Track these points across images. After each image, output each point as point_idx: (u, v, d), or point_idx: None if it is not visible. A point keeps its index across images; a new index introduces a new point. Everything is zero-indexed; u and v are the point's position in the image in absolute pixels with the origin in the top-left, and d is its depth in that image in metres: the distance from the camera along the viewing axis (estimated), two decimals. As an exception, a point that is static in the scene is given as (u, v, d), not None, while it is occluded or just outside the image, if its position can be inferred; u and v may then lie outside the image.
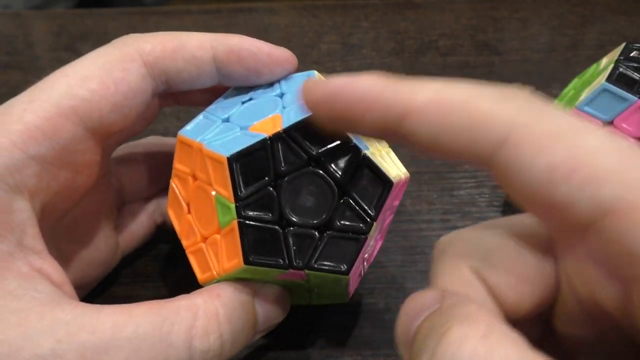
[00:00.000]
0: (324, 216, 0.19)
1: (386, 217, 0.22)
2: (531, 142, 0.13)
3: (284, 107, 0.20)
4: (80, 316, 0.17)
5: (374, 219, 0.19)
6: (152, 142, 0.27)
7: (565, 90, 0.30)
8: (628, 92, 0.25)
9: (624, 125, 0.25)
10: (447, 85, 0.15)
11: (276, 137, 0.19)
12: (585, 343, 0.16)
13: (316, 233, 0.19)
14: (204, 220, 0.20)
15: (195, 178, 0.21)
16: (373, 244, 0.22)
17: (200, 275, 0.21)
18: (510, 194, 0.14)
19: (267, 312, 0.20)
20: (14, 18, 0.51)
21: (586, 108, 0.25)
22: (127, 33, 0.22)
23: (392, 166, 0.21)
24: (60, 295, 0.18)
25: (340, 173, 0.19)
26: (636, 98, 0.24)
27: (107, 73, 0.20)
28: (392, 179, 0.19)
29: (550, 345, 0.15)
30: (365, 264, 0.22)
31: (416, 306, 0.15)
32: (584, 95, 0.26)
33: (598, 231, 0.13)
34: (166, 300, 0.18)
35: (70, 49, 0.47)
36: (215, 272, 0.20)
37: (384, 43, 0.47)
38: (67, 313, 0.17)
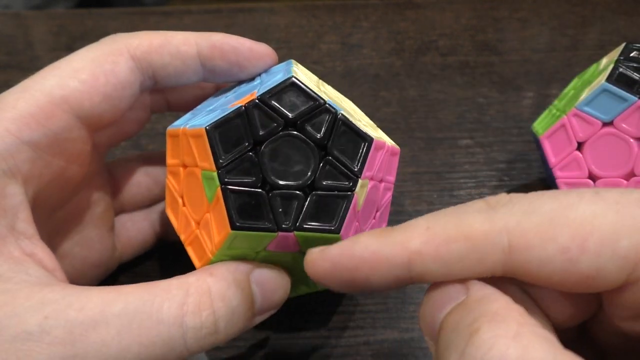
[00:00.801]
0: (307, 177, 0.19)
1: (380, 191, 0.22)
2: (534, 238, 0.14)
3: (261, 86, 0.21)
4: (69, 295, 0.17)
5: (358, 174, 0.19)
6: (155, 153, 0.28)
7: (565, 90, 0.30)
8: (628, 92, 0.25)
9: (623, 125, 0.25)
10: (435, 218, 0.15)
11: (251, 105, 0.19)
12: (620, 350, 0.16)
13: (301, 194, 0.19)
14: (196, 204, 0.20)
15: (185, 166, 0.21)
16: (372, 220, 0.22)
17: (197, 263, 0.21)
18: (542, 285, 0.15)
19: (265, 292, 0.20)
20: (14, 18, 0.51)
21: (586, 108, 0.25)
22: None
23: (374, 132, 0.21)
24: (51, 278, 0.18)
25: (318, 134, 0.19)
26: (636, 98, 0.24)
27: (97, 66, 0.21)
28: (373, 137, 0.20)
29: (586, 346, 0.15)
30: None
31: (441, 296, 0.15)
32: (584, 95, 0.26)
33: (633, 282, 0.14)
34: (158, 280, 0.18)
35: (70, 49, 0.47)
36: (209, 253, 0.20)
37: (384, 43, 0.47)
38: (56, 293, 0.17)
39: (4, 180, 0.18)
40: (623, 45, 0.27)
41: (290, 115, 0.19)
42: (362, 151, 0.19)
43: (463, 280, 0.15)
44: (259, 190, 0.19)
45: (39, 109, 0.19)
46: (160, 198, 0.27)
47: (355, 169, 0.19)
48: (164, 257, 0.28)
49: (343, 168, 0.19)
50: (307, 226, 0.19)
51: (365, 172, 0.20)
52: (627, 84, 0.25)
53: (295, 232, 0.19)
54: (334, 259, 0.16)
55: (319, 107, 0.19)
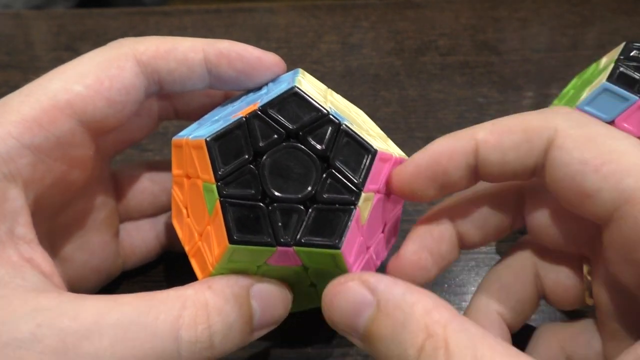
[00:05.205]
0: (308, 189, 0.18)
1: (388, 204, 0.22)
2: (569, 142, 0.17)
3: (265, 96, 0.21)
4: (64, 303, 0.17)
5: (360, 187, 0.19)
6: (161, 160, 0.28)
7: (565, 90, 0.30)
8: (628, 91, 0.24)
9: (624, 124, 0.25)
10: (500, 118, 0.19)
11: (252, 116, 0.19)
12: (615, 312, 0.19)
13: (302, 207, 0.18)
14: (198, 216, 0.20)
15: (188, 177, 0.21)
16: (379, 234, 0.22)
17: (199, 275, 0.20)
18: (552, 189, 0.18)
19: (265, 308, 0.20)
20: (14, 18, 0.51)
21: (586, 108, 0.25)
22: (127, 33, 0.22)
23: (382, 144, 0.21)
24: (48, 284, 0.18)
25: (320, 145, 0.19)
26: (637, 98, 0.24)
27: (102, 70, 0.20)
28: (377, 148, 0.19)
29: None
30: (373, 255, 0.22)
31: (355, 304, 0.17)
32: (584, 95, 0.26)
33: (617, 218, 0.16)
34: (156, 291, 0.18)
35: (70, 48, 0.47)
36: (210, 265, 0.19)
37: (384, 43, 0.47)
38: (51, 300, 0.17)
39: (5, 184, 0.18)
40: (623, 44, 0.27)
41: (291, 126, 0.19)
42: (366, 163, 0.19)
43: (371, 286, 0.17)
44: (258, 203, 0.18)
45: (42, 113, 0.19)
46: (166, 207, 0.27)
47: (358, 182, 0.19)
48: (170, 266, 0.28)
49: (345, 181, 0.19)
50: (306, 241, 0.18)
51: (370, 185, 0.19)
52: (628, 83, 0.25)
53: (295, 247, 0.18)
54: (415, 161, 0.19)
55: (321, 117, 0.19)
